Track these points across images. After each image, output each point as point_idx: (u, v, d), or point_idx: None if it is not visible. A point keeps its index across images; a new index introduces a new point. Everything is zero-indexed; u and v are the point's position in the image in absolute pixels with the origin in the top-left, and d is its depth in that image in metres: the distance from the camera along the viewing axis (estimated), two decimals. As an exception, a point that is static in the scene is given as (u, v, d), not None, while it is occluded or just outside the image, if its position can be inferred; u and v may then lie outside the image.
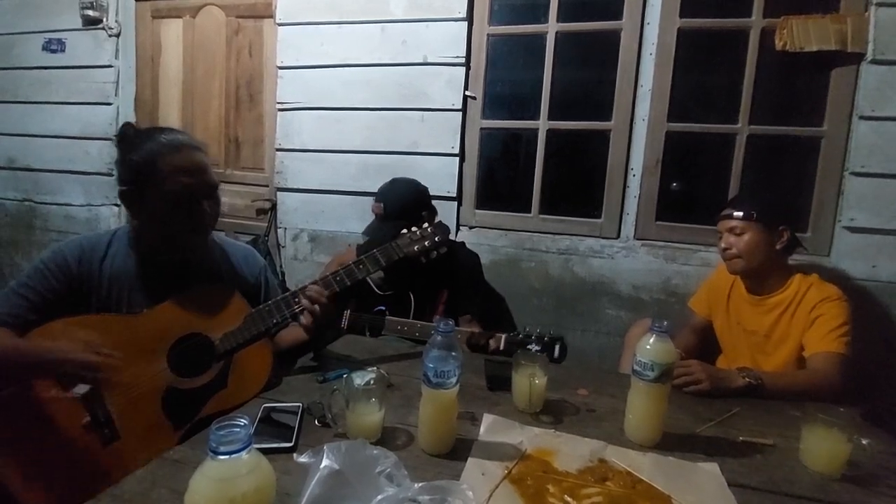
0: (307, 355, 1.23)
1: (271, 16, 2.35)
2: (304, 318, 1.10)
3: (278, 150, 2.37)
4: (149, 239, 1.07)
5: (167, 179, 0.98)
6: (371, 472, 0.64)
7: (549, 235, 2.10)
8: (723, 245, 1.42)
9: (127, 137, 1.04)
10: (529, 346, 1.27)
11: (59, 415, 0.94)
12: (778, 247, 1.37)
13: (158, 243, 1.06)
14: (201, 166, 1.03)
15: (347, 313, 1.60)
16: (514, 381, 1.03)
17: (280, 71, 2.33)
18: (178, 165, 0.99)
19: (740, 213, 1.39)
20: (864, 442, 0.86)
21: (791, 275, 1.39)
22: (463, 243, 1.90)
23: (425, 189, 1.73)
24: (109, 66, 2.62)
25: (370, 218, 1.69)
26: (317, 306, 1.08)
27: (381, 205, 1.63)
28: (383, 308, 1.63)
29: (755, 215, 1.36)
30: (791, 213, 1.49)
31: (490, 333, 1.37)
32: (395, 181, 1.73)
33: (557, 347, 1.26)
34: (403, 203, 1.62)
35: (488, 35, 2.12)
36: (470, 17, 2.09)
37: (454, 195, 2.16)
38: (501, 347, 1.33)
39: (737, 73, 1.87)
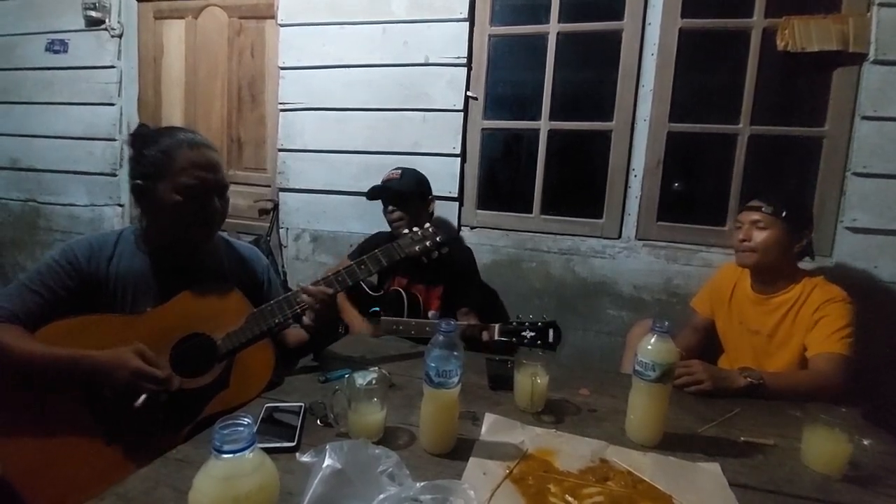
0: (308, 356, 1.24)
1: (273, 16, 2.36)
2: (307, 318, 1.10)
3: (280, 150, 2.38)
4: (156, 235, 1.08)
5: (182, 173, 1.01)
6: (373, 472, 0.65)
7: (550, 236, 2.10)
8: (741, 236, 1.37)
9: (142, 135, 1.07)
10: (524, 333, 1.27)
11: (64, 414, 0.94)
12: (795, 250, 1.35)
13: (166, 239, 1.07)
14: (215, 164, 1.06)
15: None
16: (515, 381, 1.03)
17: (282, 71, 2.34)
18: (194, 161, 1.02)
19: (770, 208, 1.33)
20: (865, 442, 0.87)
21: (798, 277, 1.38)
22: (456, 238, 1.91)
23: None
24: (112, 67, 2.63)
25: (371, 217, 1.71)
26: (318, 305, 1.09)
27: (399, 171, 1.77)
28: (378, 309, 1.63)
29: (785, 213, 1.33)
30: (813, 219, 1.44)
31: (483, 325, 1.37)
32: (400, 166, 1.85)
33: (551, 332, 1.26)
34: (417, 176, 1.79)
35: (490, 35, 2.12)
36: (471, 18, 2.09)
37: (455, 195, 2.16)
38: (495, 337, 1.32)
39: (738, 74, 1.87)
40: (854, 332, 1.25)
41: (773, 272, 1.38)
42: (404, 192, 1.71)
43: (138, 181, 1.04)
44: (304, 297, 1.09)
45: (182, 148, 1.02)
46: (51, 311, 0.98)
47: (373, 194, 1.75)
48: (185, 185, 1.01)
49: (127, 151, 1.08)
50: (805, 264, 1.40)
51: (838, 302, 1.30)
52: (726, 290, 1.53)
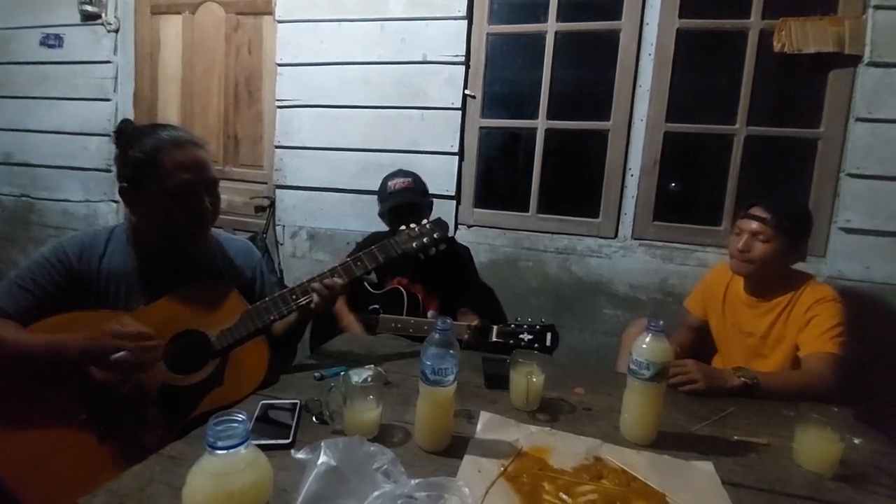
0: (301, 345, 1.23)
1: (271, 13, 2.35)
2: (314, 304, 1.10)
3: (277, 147, 2.37)
4: (148, 235, 1.07)
5: (169, 175, 0.98)
6: (368, 469, 0.65)
7: (547, 235, 2.10)
8: (740, 247, 1.32)
9: (125, 133, 1.04)
10: (521, 336, 1.27)
11: (57, 410, 0.94)
12: (793, 259, 1.35)
13: (158, 240, 1.06)
14: (202, 162, 1.03)
15: None
16: (511, 380, 1.03)
17: (279, 68, 2.33)
18: (180, 161, 0.99)
19: (773, 221, 1.29)
20: (856, 441, 0.88)
21: (790, 279, 1.38)
22: (452, 237, 1.91)
23: None
24: (108, 62, 2.61)
25: (369, 215, 1.70)
26: (319, 299, 1.09)
27: (410, 179, 1.71)
28: (377, 307, 1.63)
29: (786, 225, 1.29)
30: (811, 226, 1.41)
31: (480, 326, 1.37)
32: (402, 170, 1.81)
33: (549, 336, 1.27)
34: (424, 184, 1.75)
35: (488, 34, 2.12)
36: (469, 16, 2.09)
37: (453, 194, 2.16)
38: (492, 339, 1.33)
39: (735, 74, 1.88)
40: (845, 331, 1.26)
41: (768, 279, 1.38)
42: (423, 203, 1.70)
43: (125, 184, 1.02)
44: (317, 285, 1.09)
45: (167, 148, 0.99)
46: (41, 309, 0.97)
47: (397, 207, 1.65)
48: (172, 188, 0.98)
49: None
50: (796, 264, 1.41)
51: (829, 301, 1.30)
52: (719, 291, 1.53)
